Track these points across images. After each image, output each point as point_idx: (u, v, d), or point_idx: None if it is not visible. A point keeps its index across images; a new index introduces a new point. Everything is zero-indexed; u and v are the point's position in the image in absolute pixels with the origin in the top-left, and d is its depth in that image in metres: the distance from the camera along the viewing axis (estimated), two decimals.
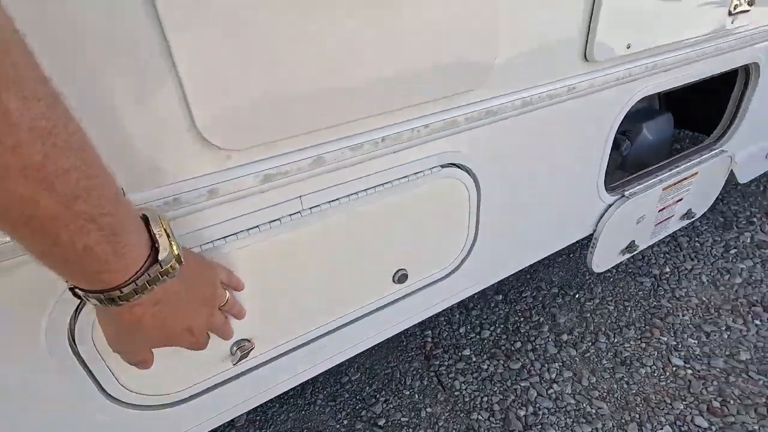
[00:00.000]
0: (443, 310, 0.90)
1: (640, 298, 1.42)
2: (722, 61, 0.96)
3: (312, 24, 0.46)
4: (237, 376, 0.63)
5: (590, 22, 0.70)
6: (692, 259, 1.56)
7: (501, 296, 1.48)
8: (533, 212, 0.85)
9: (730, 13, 0.87)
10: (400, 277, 0.70)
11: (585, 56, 0.72)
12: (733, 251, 1.57)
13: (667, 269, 1.52)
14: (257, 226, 0.54)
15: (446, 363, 1.27)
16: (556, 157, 0.81)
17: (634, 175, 1.03)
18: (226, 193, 0.49)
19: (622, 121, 0.87)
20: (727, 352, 1.21)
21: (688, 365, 1.19)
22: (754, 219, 1.72)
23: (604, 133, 0.85)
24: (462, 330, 1.37)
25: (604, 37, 0.71)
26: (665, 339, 1.27)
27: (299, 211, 0.56)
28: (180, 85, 0.43)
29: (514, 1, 0.61)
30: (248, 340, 0.60)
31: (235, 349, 0.58)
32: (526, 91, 0.69)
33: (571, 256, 1.61)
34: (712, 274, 1.49)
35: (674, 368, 1.18)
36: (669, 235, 1.56)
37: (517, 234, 0.86)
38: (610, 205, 0.97)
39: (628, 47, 0.75)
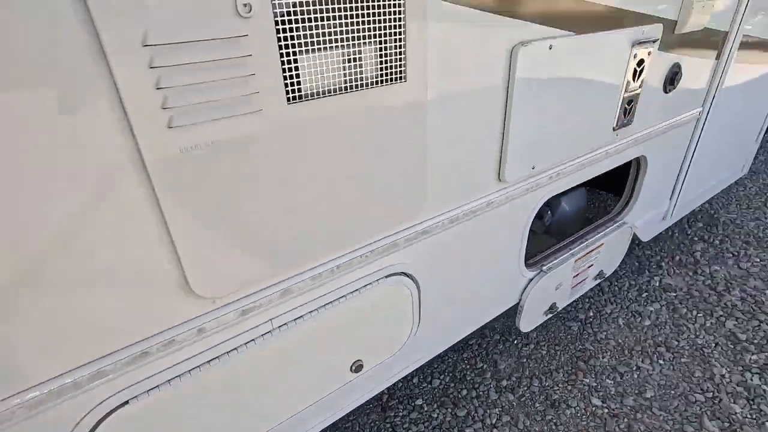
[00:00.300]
0: None
1: (568, 342, 1.63)
2: (615, 159, 1.19)
3: (280, 195, 0.61)
4: None
5: (501, 153, 0.89)
6: (612, 303, 1.80)
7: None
8: (466, 296, 1.02)
9: (614, 129, 1.10)
10: (357, 368, 0.84)
11: (499, 178, 0.91)
12: (644, 294, 1.83)
13: (591, 313, 1.75)
14: (236, 349, 0.66)
15: (401, 414, 1.40)
16: (483, 253, 0.99)
17: (550, 251, 1.23)
18: (212, 329, 0.62)
19: None
20: (636, 391, 1.43)
21: (605, 405, 1.39)
22: (663, 263, 2.00)
23: (520, 229, 1.04)
24: (415, 380, 1.51)
25: (513, 163, 0.90)
26: (587, 381, 1.47)
27: (270, 331, 0.69)
28: (176, 255, 0.55)
29: (439, 145, 0.78)
30: None
31: None
32: (453, 211, 0.86)
33: None
34: (627, 317, 1.73)
35: (593, 408, 1.38)
36: None
37: (453, 315, 1.02)
38: (531, 279, 1.17)
39: (533, 168, 0.95)
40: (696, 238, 2.16)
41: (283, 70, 0.53)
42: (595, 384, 1.46)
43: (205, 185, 0.53)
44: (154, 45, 0.44)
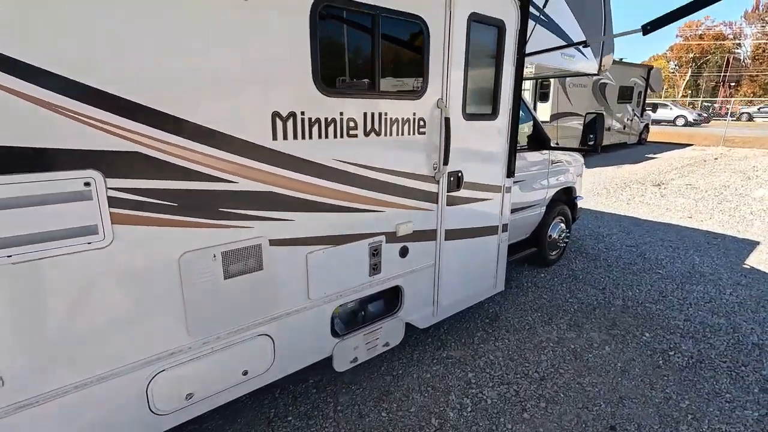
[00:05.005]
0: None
1: (381, 386, 2.92)
2: (377, 288, 2.66)
3: None
4: None
5: (307, 288, 2.32)
6: (415, 366, 3.14)
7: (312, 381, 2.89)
8: (307, 349, 2.37)
9: (369, 276, 2.58)
10: (245, 372, 2.13)
11: (308, 297, 2.33)
12: (434, 360, 3.20)
13: (401, 371, 3.07)
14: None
15: (279, 425, 2.59)
16: (310, 329, 2.36)
17: (351, 330, 2.62)
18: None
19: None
20: (404, 408, 2.71)
21: (388, 416, 2.66)
22: (452, 343, 3.41)
23: (326, 321, 2.44)
24: (286, 406, 2.72)
25: (313, 291, 2.33)
26: (385, 406, 2.75)
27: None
28: None
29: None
30: None
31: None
32: (296, 306, 2.26)
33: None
34: (420, 373, 3.06)
35: (381, 417, 2.65)
36: (400, 349, 3.16)
37: (297, 354, 2.35)
38: (336, 344, 2.53)
39: (325, 294, 2.38)
40: (479, 328, 3.64)
41: None
42: (386, 407, 2.74)
43: None
44: None
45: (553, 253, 4.95)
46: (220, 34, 1.74)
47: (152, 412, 1.88)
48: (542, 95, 11.52)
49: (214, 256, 1.91)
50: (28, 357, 1.55)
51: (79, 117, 1.49)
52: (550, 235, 4.79)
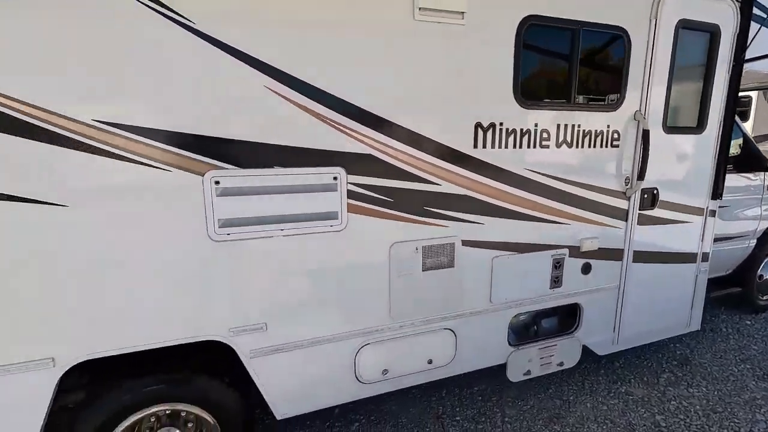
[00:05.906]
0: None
1: (551, 409, 2.79)
2: (555, 302, 2.59)
3: None
4: None
5: (491, 291, 2.40)
6: (588, 395, 2.92)
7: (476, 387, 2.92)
8: (487, 349, 2.45)
9: (549, 288, 2.54)
10: (430, 361, 2.30)
11: (491, 301, 2.41)
12: (611, 394, 2.92)
13: (572, 398, 2.90)
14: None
15: (448, 422, 2.69)
16: (488, 332, 2.44)
17: (525, 341, 2.59)
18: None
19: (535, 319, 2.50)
20: None
21: None
22: (632, 379, 3.07)
23: (503, 326, 2.47)
24: (455, 408, 2.80)
25: (496, 295, 2.40)
26: (557, 428, 2.62)
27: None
28: None
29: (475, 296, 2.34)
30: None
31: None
32: (480, 308, 2.37)
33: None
34: (594, 404, 2.84)
35: None
36: (568, 375, 2.98)
37: (474, 355, 2.44)
38: (511, 352, 2.53)
39: (506, 299, 2.43)
40: (665, 369, 3.20)
41: None
42: (558, 429, 2.61)
43: None
44: None
45: (765, 297, 4.07)
46: (440, 57, 2.02)
47: (357, 379, 2.17)
48: (739, 114, 9.66)
49: (416, 249, 2.15)
50: (282, 311, 1.97)
51: (335, 124, 1.89)
52: (761, 275, 3.96)
